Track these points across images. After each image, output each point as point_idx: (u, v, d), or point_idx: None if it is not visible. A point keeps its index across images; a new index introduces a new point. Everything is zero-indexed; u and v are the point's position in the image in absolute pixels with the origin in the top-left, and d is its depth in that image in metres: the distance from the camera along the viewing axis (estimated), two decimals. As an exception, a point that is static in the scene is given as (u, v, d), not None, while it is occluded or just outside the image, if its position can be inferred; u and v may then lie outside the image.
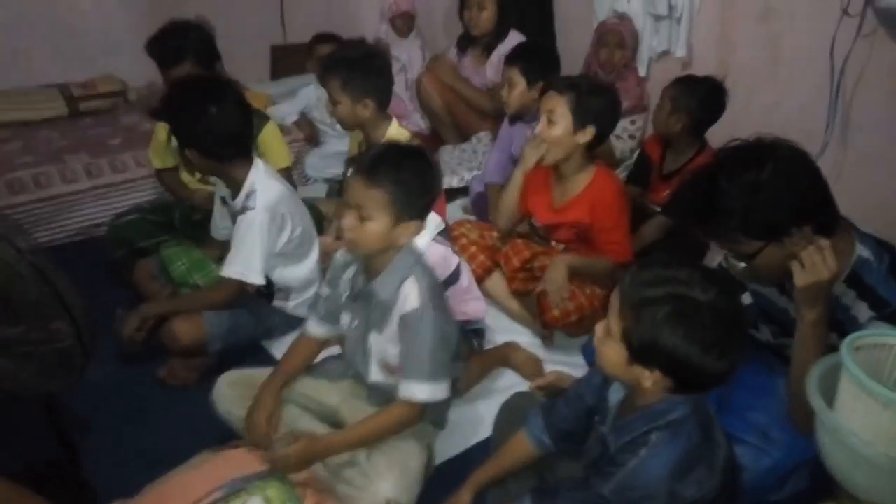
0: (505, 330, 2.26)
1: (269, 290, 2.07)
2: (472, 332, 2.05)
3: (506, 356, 2.11)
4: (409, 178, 1.43)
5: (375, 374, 1.59)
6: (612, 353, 1.18)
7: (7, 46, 3.32)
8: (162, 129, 2.38)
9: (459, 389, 1.83)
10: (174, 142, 2.11)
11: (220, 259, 2.02)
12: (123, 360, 2.04)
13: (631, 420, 1.23)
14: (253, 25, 4.05)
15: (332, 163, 3.18)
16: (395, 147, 1.54)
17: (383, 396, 1.59)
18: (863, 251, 1.44)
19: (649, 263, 1.20)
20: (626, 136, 3.16)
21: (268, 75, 4.16)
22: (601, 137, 2.08)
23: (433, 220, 1.89)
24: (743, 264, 1.42)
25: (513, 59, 2.55)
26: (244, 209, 1.90)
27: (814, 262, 1.32)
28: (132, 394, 1.99)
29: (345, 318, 1.62)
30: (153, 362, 2.04)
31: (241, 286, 1.95)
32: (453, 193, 3.03)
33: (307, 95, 3.43)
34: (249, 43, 3.96)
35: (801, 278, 1.34)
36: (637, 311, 1.12)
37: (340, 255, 1.64)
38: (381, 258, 1.49)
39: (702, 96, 2.39)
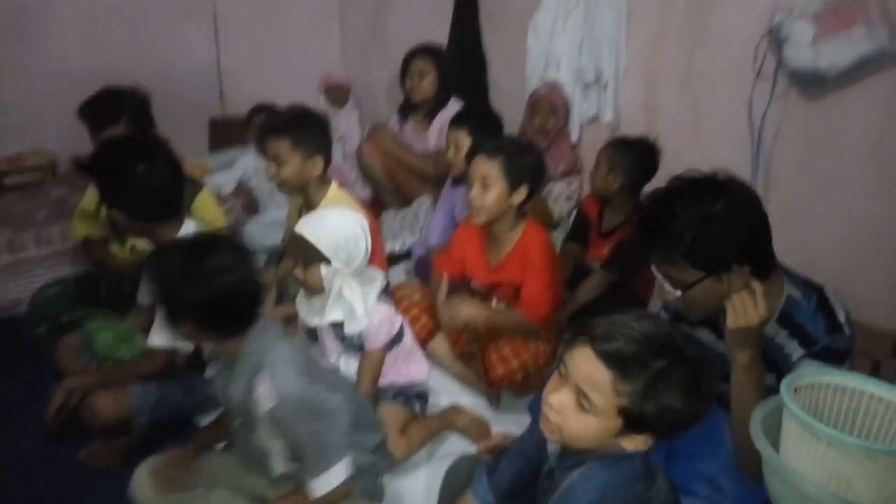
0: (449, 392, 2.21)
1: (200, 360, 1.96)
2: (414, 395, 1.99)
3: (451, 419, 2.05)
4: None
5: (279, 468, 1.49)
6: (589, 427, 1.11)
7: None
8: (91, 197, 2.31)
9: (393, 457, 1.76)
10: (103, 210, 2.04)
11: (148, 328, 1.92)
12: (46, 440, 1.91)
13: (578, 452, 1.18)
14: (191, 98, 4.05)
15: (271, 232, 3.13)
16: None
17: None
18: (792, 290, 1.48)
19: (623, 328, 1.12)
20: (563, 198, 3.22)
21: (206, 148, 4.13)
22: (531, 194, 2.12)
23: (377, 277, 1.86)
24: (678, 292, 1.42)
25: (458, 120, 2.63)
26: None
27: (745, 307, 1.35)
28: (53, 477, 1.86)
29: (232, 415, 1.53)
30: (78, 443, 1.91)
31: (171, 355, 1.84)
32: (396, 258, 3.02)
33: (245, 164, 3.41)
34: (187, 116, 3.95)
35: (732, 320, 1.37)
36: (649, 386, 1.07)
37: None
38: (232, 352, 1.42)
39: (637, 156, 2.48)
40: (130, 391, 1.83)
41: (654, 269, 1.48)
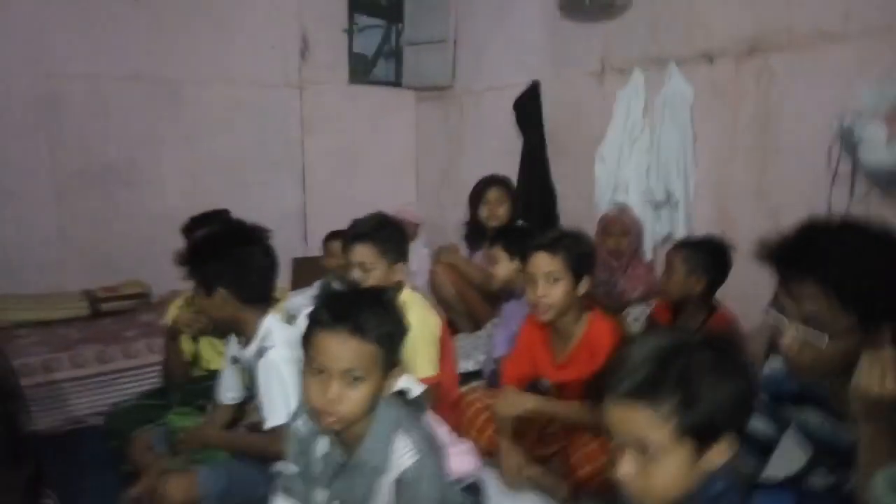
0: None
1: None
2: (466, 489, 1.83)
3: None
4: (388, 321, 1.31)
5: None
6: (672, 468, 1.02)
7: (44, 257, 3.52)
8: (176, 305, 2.42)
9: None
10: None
11: (229, 425, 1.91)
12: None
13: None
14: (278, 239, 4.28)
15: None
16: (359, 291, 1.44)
17: None
18: None
19: (626, 363, 1.06)
20: (643, 319, 3.13)
21: (288, 285, 4.31)
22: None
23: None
24: (825, 337, 1.24)
25: (495, 238, 2.77)
26: (262, 351, 1.83)
27: (885, 371, 1.19)
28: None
29: (319, 497, 1.41)
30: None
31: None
32: (468, 377, 2.94)
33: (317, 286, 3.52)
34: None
35: (865, 382, 1.20)
36: (678, 392, 1.00)
37: (303, 426, 1.45)
38: (360, 423, 1.33)
39: (713, 255, 2.42)
40: (198, 475, 1.77)
41: (773, 313, 1.30)
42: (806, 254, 1.27)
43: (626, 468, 1.04)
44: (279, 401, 1.79)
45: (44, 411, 2.59)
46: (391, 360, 1.31)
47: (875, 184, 2.50)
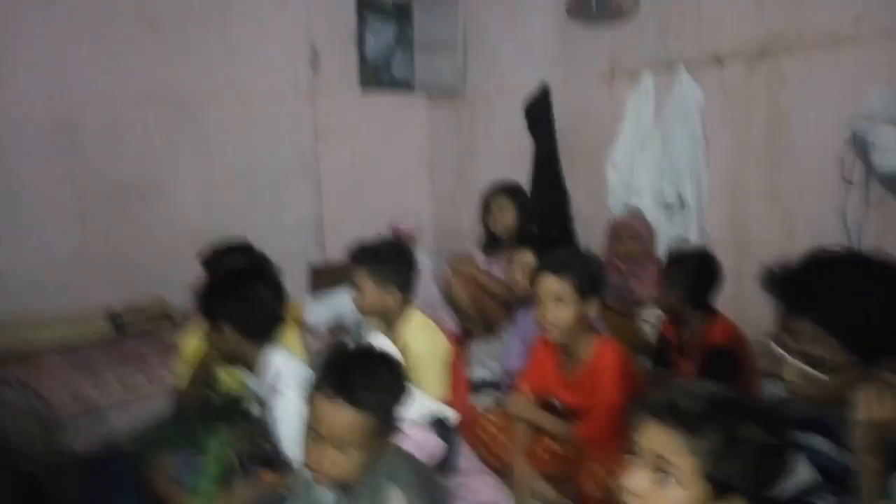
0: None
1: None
2: None
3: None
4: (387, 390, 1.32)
5: None
6: (678, 498, 1.04)
7: (66, 277, 3.61)
8: (189, 343, 2.46)
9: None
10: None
11: None
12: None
13: None
14: (295, 246, 4.38)
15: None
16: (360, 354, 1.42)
17: None
18: None
19: (681, 388, 1.10)
20: (657, 320, 3.13)
21: (305, 291, 4.37)
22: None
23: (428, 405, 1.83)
24: (818, 375, 1.26)
25: (522, 241, 2.75)
26: (275, 391, 1.87)
27: (882, 397, 1.21)
28: None
29: None
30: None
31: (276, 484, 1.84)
32: (484, 385, 2.97)
33: (342, 302, 3.54)
34: (290, 262, 4.21)
35: (865, 412, 1.22)
36: (725, 441, 1.02)
37: (305, 471, 1.46)
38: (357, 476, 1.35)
39: (688, 268, 2.40)
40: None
41: (778, 345, 1.31)
42: (806, 293, 1.27)
43: (639, 481, 1.06)
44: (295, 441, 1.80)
45: (74, 433, 2.66)
46: (388, 425, 1.34)
47: (889, 189, 2.47)
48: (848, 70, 2.55)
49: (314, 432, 1.31)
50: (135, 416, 2.80)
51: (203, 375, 2.34)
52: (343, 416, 1.27)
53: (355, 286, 2.27)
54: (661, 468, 1.05)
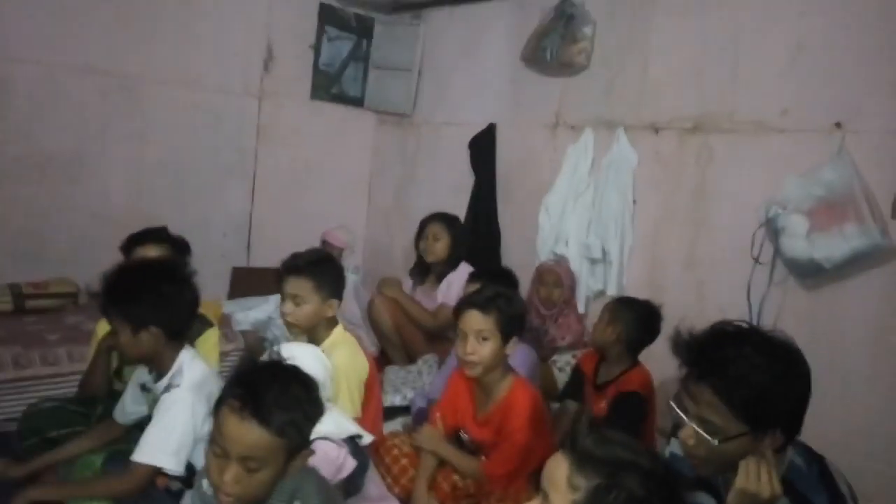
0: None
1: (188, 480, 1.89)
2: None
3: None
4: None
5: None
6: None
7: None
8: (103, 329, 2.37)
9: None
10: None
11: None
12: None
13: None
14: (220, 247, 4.29)
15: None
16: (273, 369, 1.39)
17: None
18: (795, 457, 1.44)
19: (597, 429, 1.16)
20: (569, 368, 3.23)
21: (225, 293, 4.27)
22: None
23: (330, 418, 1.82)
24: (711, 440, 1.34)
25: (476, 276, 2.81)
26: (168, 387, 1.84)
27: (760, 473, 1.31)
28: None
29: None
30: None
31: (152, 475, 1.79)
32: (395, 411, 2.98)
33: (268, 310, 3.49)
34: (213, 262, 4.16)
35: (743, 481, 1.31)
36: (598, 480, 1.07)
37: (207, 488, 1.42)
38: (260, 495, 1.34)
39: (639, 314, 2.52)
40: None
41: (677, 407, 1.40)
42: (708, 362, 1.36)
43: None
44: (159, 441, 1.77)
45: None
46: (297, 445, 1.32)
47: (792, 271, 2.67)
48: (770, 157, 2.76)
49: (219, 448, 1.27)
50: (25, 395, 2.67)
51: (103, 364, 2.26)
52: (251, 435, 1.24)
53: (289, 296, 2.24)
54: (546, 496, 1.11)
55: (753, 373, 1.31)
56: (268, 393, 1.27)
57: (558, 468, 1.11)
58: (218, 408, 1.30)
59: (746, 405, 1.32)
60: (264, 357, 1.87)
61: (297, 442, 1.31)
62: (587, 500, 1.07)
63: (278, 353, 1.66)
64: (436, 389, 2.75)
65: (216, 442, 1.28)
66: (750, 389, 1.31)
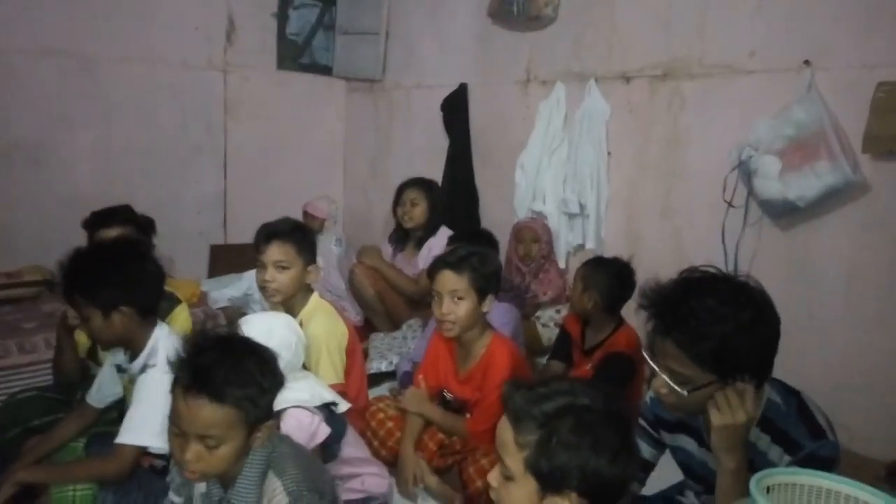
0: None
1: (165, 465, 1.89)
2: None
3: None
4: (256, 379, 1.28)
5: None
6: (520, 495, 1.12)
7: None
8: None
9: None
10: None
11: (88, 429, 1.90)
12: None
13: None
14: (196, 225, 4.24)
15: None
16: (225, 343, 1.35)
17: None
18: (772, 394, 1.45)
19: (527, 385, 1.18)
20: (552, 324, 3.24)
21: (205, 271, 4.23)
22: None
23: (303, 386, 1.83)
24: (684, 392, 1.35)
25: (456, 238, 2.80)
26: (145, 367, 1.81)
27: (730, 404, 1.32)
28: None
29: None
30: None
31: (138, 455, 1.78)
32: (381, 377, 2.99)
33: (241, 286, 3.47)
34: (191, 241, 4.13)
35: (717, 418, 1.33)
36: (538, 433, 1.09)
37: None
38: (233, 467, 1.33)
39: (610, 275, 2.52)
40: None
41: (652, 360, 1.42)
42: (670, 316, 1.36)
43: (492, 475, 1.19)
44: (142, 421, 1.76)
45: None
46: (258, 417, 1.30)
47: (766, 212, 2.68)
48: (740, 100, 2.74)
49: (177, 427, 1.26)
50: (4, 385, 2.64)
51: (68, 344, 2.24)
52: (204, 413, 1.23)
53: (272, 263, 2.21)
54: (502, 463, 1.14)
55: (716, 324, 1.30)
56: (219, 370, 1.25)
57: (506, 432, 1.14)
58: (172, 386, 1.29)
59: (710, 357, 1.32)
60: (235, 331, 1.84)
61: (256, 415, 1.29)
62: (534, 454, 1.10)
63: (239, 327, 1.65)
64: (419, 352, 2.75)
65: (174, 422, 1.28)
66: (712, 341, 1.31)
